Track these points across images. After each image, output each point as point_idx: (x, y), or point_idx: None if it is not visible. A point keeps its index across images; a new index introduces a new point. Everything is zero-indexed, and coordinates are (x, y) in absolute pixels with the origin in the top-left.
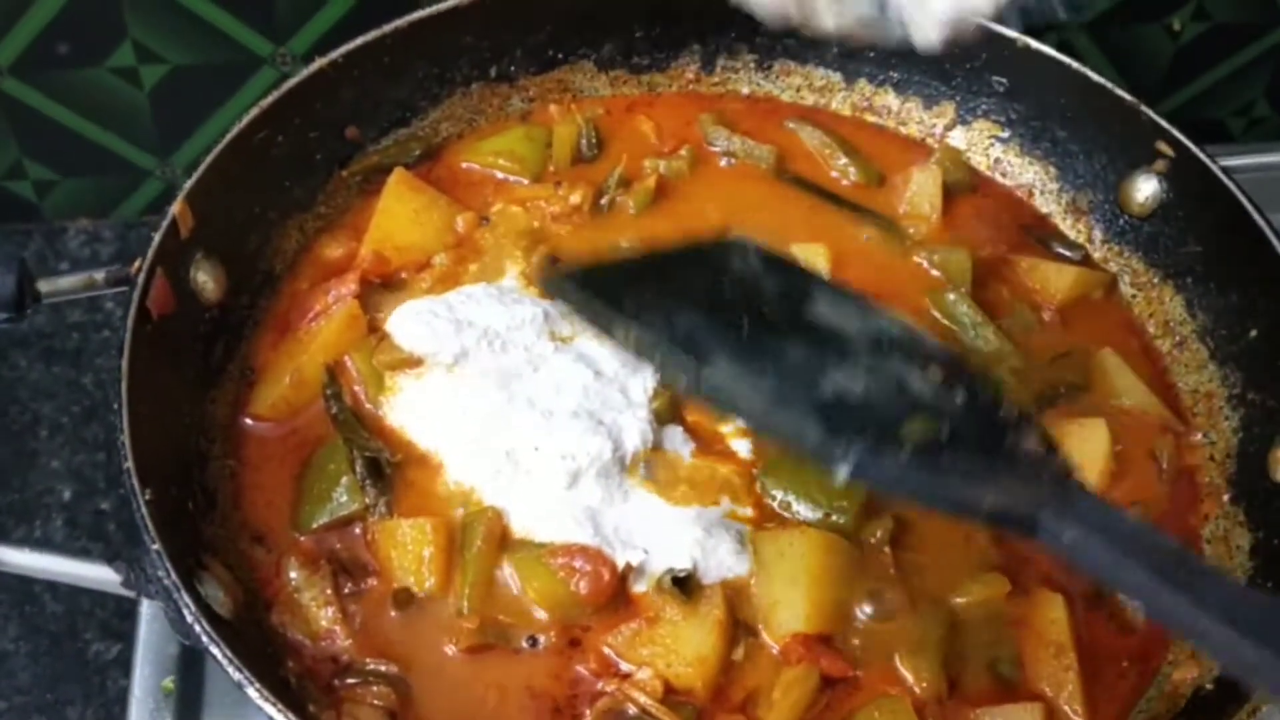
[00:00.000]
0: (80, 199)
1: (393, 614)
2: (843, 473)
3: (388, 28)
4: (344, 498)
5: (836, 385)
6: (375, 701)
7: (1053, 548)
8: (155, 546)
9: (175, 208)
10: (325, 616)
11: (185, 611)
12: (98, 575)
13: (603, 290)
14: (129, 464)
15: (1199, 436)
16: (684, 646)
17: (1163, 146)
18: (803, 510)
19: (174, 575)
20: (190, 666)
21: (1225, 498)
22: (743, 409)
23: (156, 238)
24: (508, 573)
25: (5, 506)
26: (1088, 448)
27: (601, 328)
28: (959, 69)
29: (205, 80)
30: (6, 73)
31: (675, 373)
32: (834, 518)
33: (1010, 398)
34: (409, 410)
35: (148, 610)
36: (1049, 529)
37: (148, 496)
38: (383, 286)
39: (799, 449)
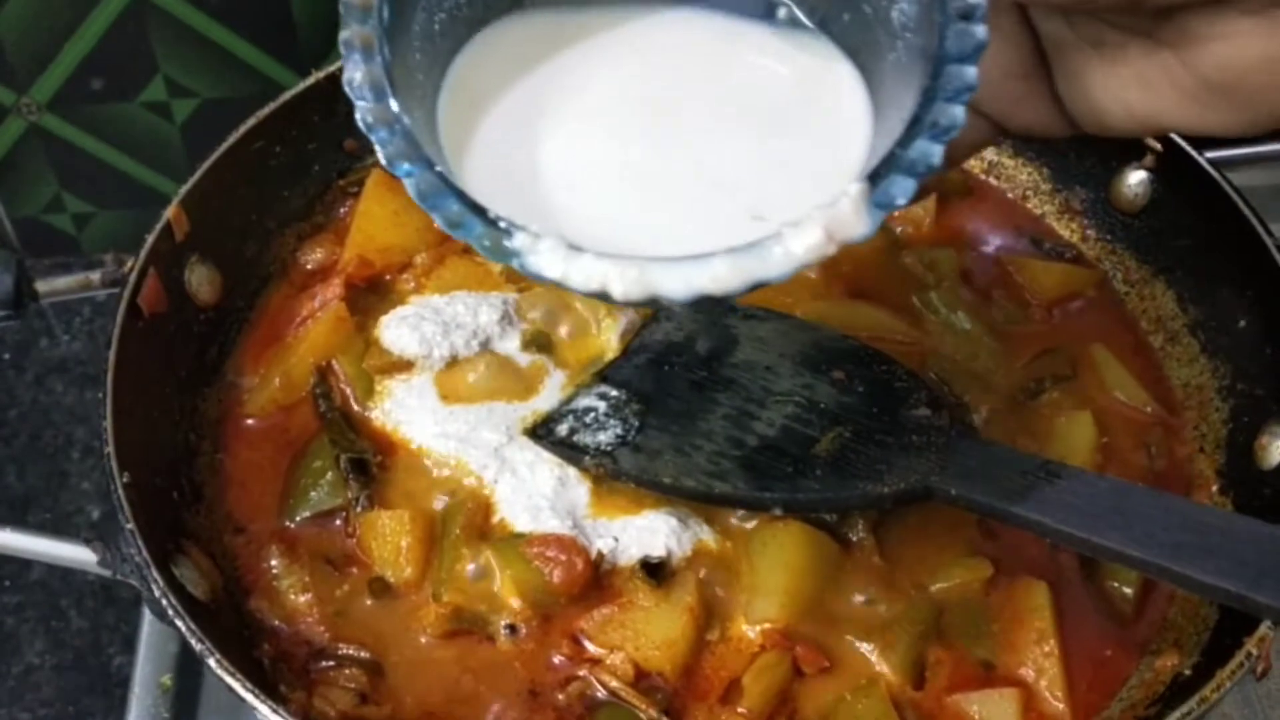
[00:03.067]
0: (118, 231)
1: (369, 602)
2: (776, 512)
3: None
4: (327, 492)
5: (758, 432)
6: (347, 684)
7: (950, 503)
8: (129, 526)
9: (169, 211)
10: (302, 603)
11: (154, 587)
12: (75, 555)
13: None
14: (109, 449)
15: (1189, 428)
16: (654, 630)
17: (1150, 142)
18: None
19: (145, 553)
20: (188, 665)
21: (1214, 488)
22: (673, 486)
23: (149, 239)
24: (484, 561)
25: (36, 525)
26: (1073, 440)
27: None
28: None
29: (234, 113)
30: (45, 109)
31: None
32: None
33: (899, 363)
34: (398, 411)
35: (149, 612)
36: (939, 491)
37: (125, 480)
38: (368, 289)
39: (727, 505)
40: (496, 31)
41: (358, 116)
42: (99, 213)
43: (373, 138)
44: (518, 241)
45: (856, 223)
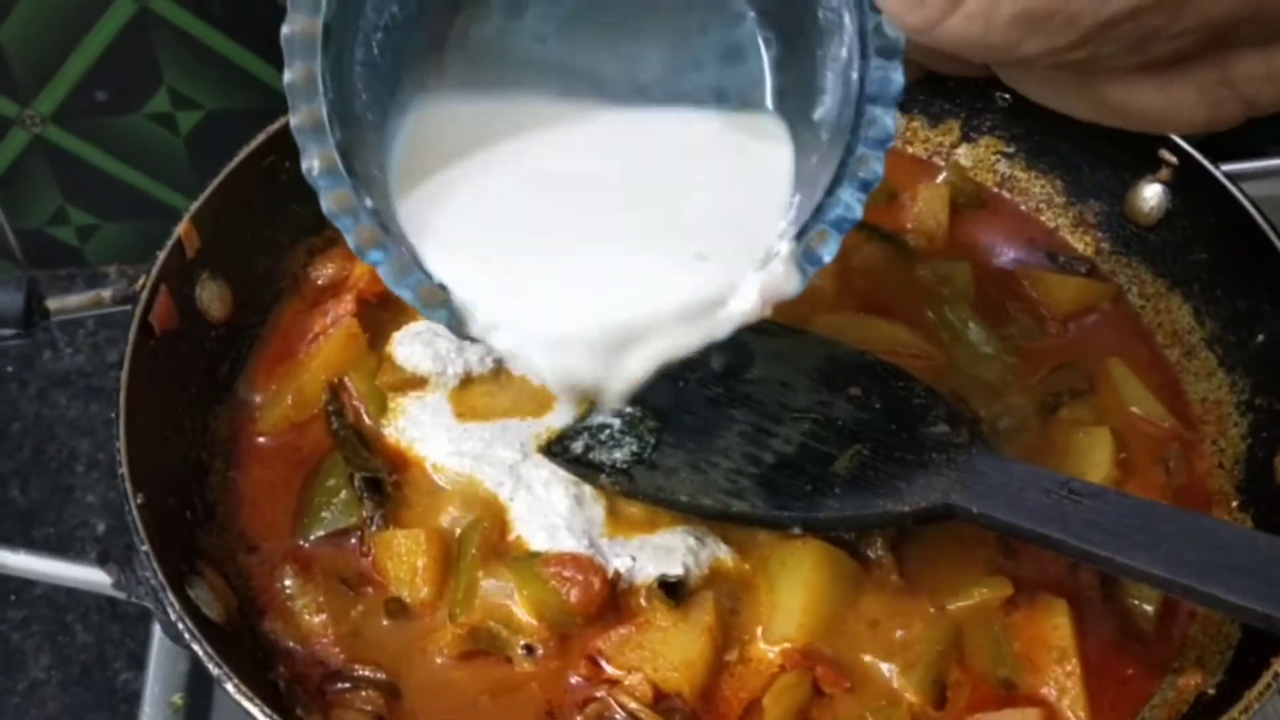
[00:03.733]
0: (120, 243)
1: (384, 622)
2: (795, 531)
3: None
4: (341, 511)
5: (775, 450)
6: (364, 706)
7: (971, 522)
8: (144, 548)
9: (180, 228)
10: (317, 624)
11: (169, 610)
12: (90, 577)
13: None
14: (123, 469)
15: (1207, 444)
16: (672, 651)
17: (1166, 154)
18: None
19: (160, 575)
20: (199, 685)
21: (1234, 504)
22: (690, 505)
23: (161, 256)
24: (501, 581)
25: (41, 540)
26: (1092, 455)
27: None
28: (963, 87)
29: (239, 124)
30: (48, 120)
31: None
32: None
33: (916, 379)
34: (412, 429)
35: (159, 630)
36: (960, 510)
37: (140, 501)
38: (379, 306)
39: (745, 523)
40: (439, 105)
41: (323, 207)
42: (103, 224)
43: (339, 225)
44: (476, 326)
45: (787, 282)
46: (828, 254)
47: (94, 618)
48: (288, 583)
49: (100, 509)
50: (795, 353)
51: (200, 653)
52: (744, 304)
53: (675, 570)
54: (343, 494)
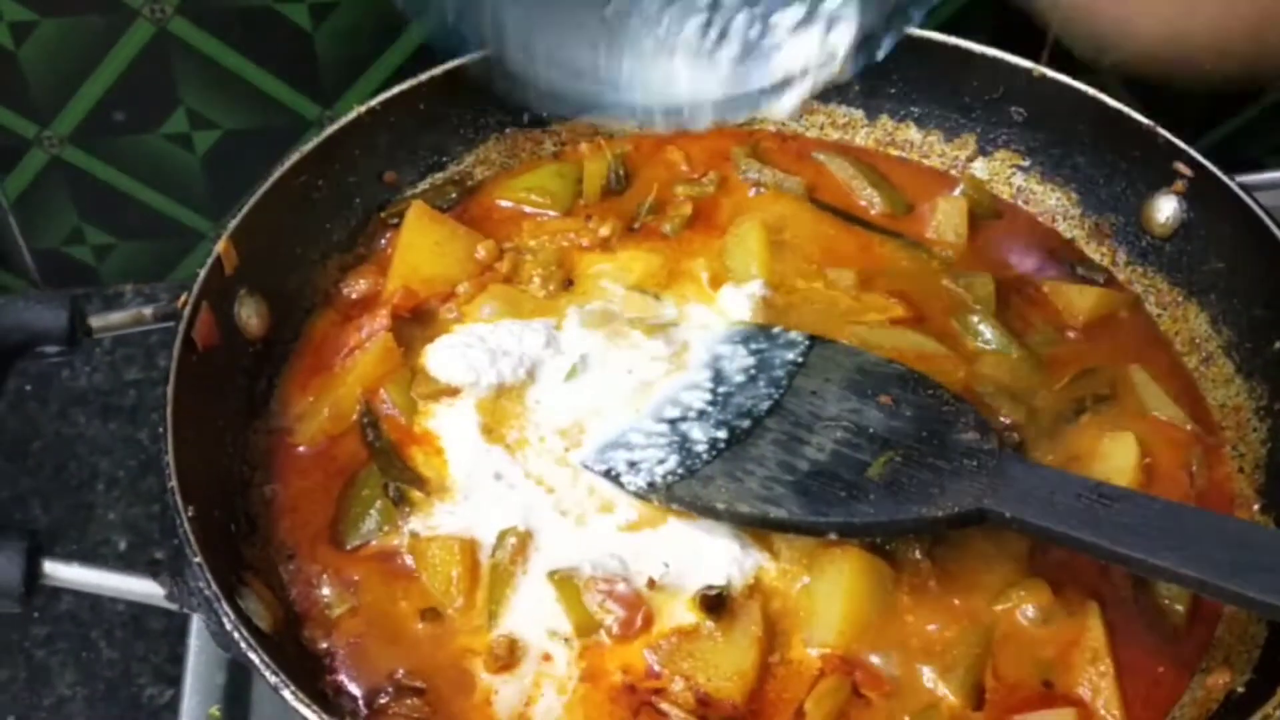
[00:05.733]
0: (136, 262)
1: (422, 630)
2: (831, 537)
3: (423, 77)
4: (377, 521)
5: (809, 457)
6: (411, 714)
7: (1003, 526)
8: (197, 560)
9: (220, 246)
10: (356, 632)
11: (225, 620)
12: (143, 589)
13: None
14: (173, 483)
15: (1228, 448)
16: (724, 661)
17: (1180, 167)
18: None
19: (214, 586)
20: (236, 696)
21: (1255, 508)
22: (728, 512)
23: (202, 273)
24: (538, 594)
25: (63, 557)
26: (1116, 460)
27: None
28: (978, 101)
29: (255, 144)
30: (66, 141)
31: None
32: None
33: (945, 387)
34: (447, 437)
35: (195, 642)
36: (993, 514)
37: (190, 514)
38: (412, 319)
39: (782, 530)
40: None
41: None
42: (119, 244)
43: None
44: None
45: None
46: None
47: (118, 634)
48: (325, 591)
49: (121, 526)
50: (824, 364)
51: (257, 661)
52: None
53: (716, 580)
54: (378, 504)
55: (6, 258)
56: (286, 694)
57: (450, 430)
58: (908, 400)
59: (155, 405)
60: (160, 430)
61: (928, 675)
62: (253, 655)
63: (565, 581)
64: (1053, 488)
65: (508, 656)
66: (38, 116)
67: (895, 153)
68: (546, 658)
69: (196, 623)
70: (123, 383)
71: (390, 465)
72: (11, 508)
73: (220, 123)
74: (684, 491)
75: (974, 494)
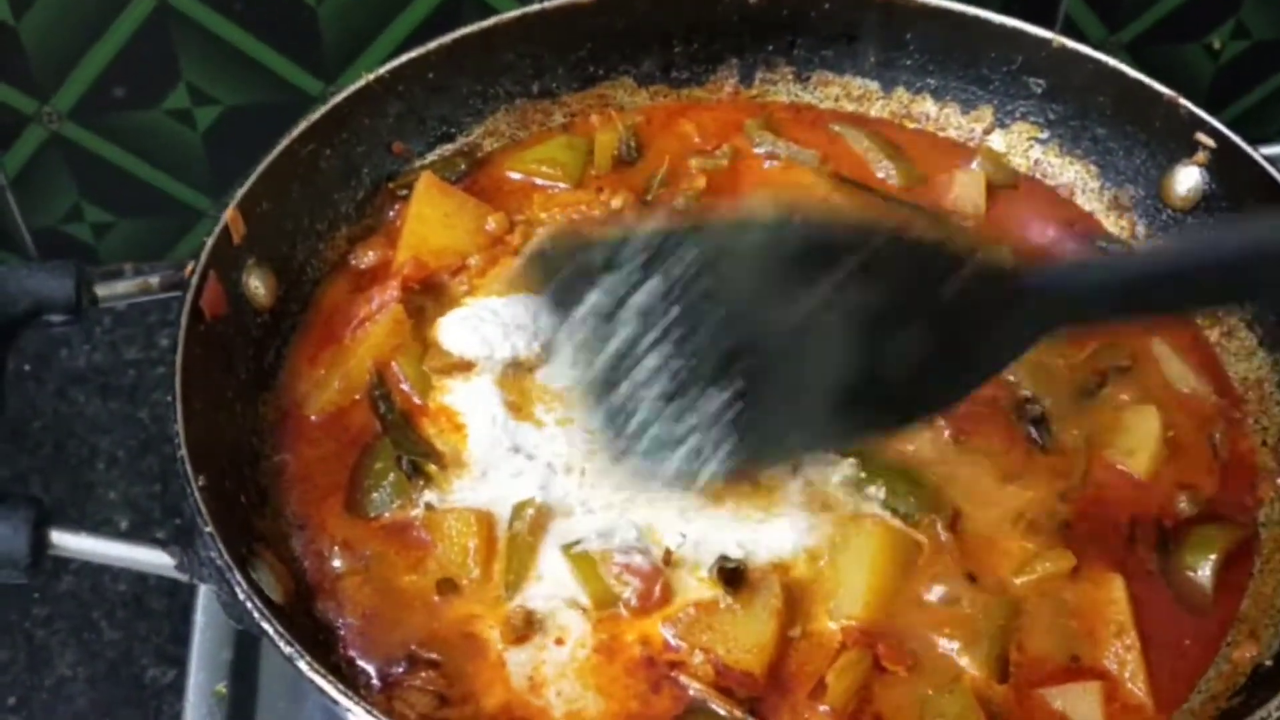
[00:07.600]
0: (136, 241)
1: (438, 603)
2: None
3: (431, 45)
4: (391, 494)
5: (835, 375)
6: (426, 686)
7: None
8: (208, 529)
9: (227, 214)
10: (370, 604)
11: (238, 590)
12: (152, 559)
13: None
14: (182, 452)
15: (1250, 421)
16: (743, 634)
17: (1202, 138)
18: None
19: (226, 556)
20: (243, 673)
21: (1279, 481)
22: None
23: (209, 241)
24: (556, 566)
25: (70, 527)
26: (1139, 433)
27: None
28: (996, 72)
29: (257, 120)
30: (65, 117)
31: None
32: (897, 507)
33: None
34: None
35: (201, 618)
36: (1049, 317)
37: (201, 483)
38: (422, 291)
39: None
40: None
41: None
42: (118, 222)
43: None
44: None
45: None
46: None
47: (119, 614)
48: (337, 564)
49: (122, 505)
50: (823, 266)
51: (270, 631)
52: None
53: (734, 552)
54: (391, 476)
55: (5, 236)
56: (302, 665)
57: (471, 406)
58: (904, 258)
59: (155, 384)
60: (169, 399)
61: (950, 649)
62: (266, 625)
63: (582, 555)
64: (1071, 265)
65: (525, 628)
66: (37, 92)
67: (911, 125)
68: (564, 630)
69: (203, 598)
70: (122, 362)
71: (404, 438)
72: (12, 486)
73: (221, 99)
74: (751, 447)
75: (1015, 318)
